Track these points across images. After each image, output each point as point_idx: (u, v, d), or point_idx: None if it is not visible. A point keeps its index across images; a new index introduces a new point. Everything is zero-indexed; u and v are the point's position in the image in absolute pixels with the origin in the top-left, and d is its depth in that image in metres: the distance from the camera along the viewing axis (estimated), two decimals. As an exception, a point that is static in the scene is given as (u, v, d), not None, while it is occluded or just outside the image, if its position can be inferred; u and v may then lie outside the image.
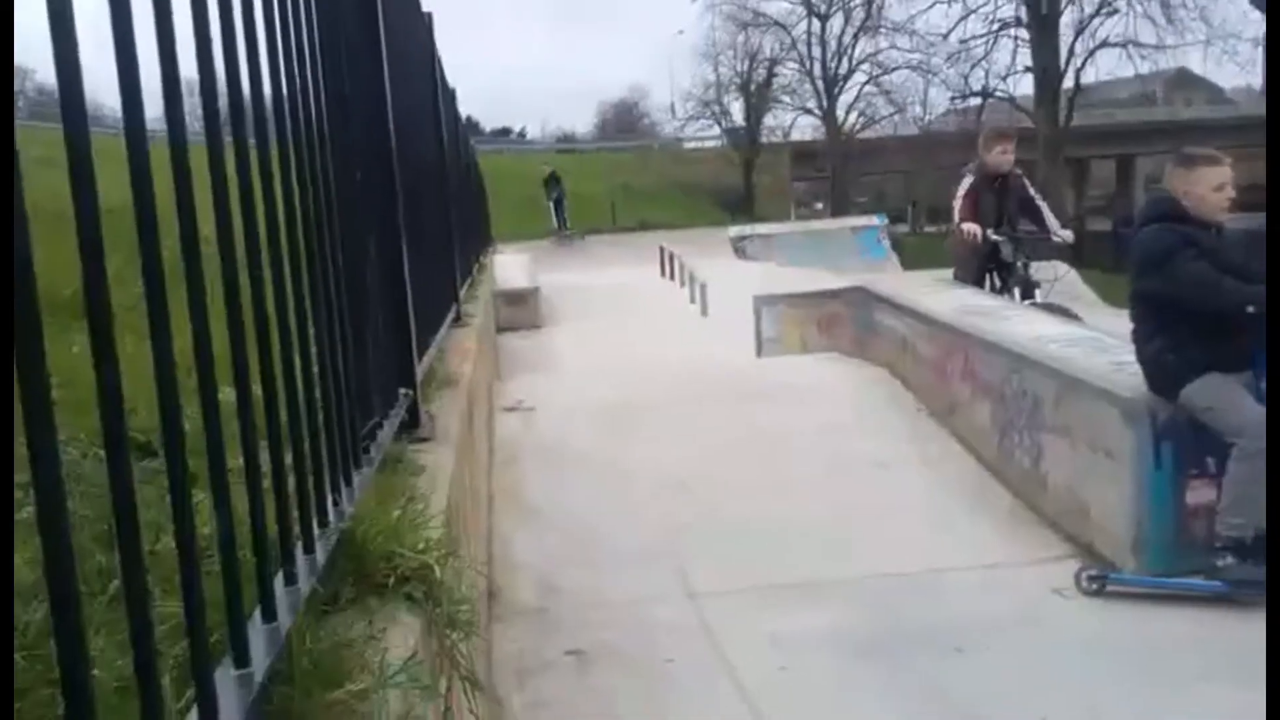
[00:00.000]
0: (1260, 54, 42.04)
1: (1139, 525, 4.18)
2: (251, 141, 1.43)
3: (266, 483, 1.36)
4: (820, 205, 48.13)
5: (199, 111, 1.26)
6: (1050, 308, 6.61)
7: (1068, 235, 7.19)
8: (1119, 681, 3.48)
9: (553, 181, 30.96)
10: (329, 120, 1.88)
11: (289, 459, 1.47)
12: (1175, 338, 4.07)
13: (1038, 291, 6.96)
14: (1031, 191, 7.19)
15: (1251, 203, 4.51)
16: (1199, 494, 4.15)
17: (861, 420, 6.43)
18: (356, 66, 2.39)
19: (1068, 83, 39.46)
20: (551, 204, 30.63)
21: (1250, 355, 4.01)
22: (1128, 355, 4.41)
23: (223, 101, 1.33)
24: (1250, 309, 3.93)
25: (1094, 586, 4.10)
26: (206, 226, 1.25)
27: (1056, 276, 7.90)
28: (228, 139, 1.33)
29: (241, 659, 1.15)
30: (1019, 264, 6.98)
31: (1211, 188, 4.13)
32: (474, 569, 2.52)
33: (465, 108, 10.87)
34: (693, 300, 17.05)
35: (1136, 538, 4.19)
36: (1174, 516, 4.17)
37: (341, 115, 2.06)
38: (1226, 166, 4.20)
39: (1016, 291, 6.90)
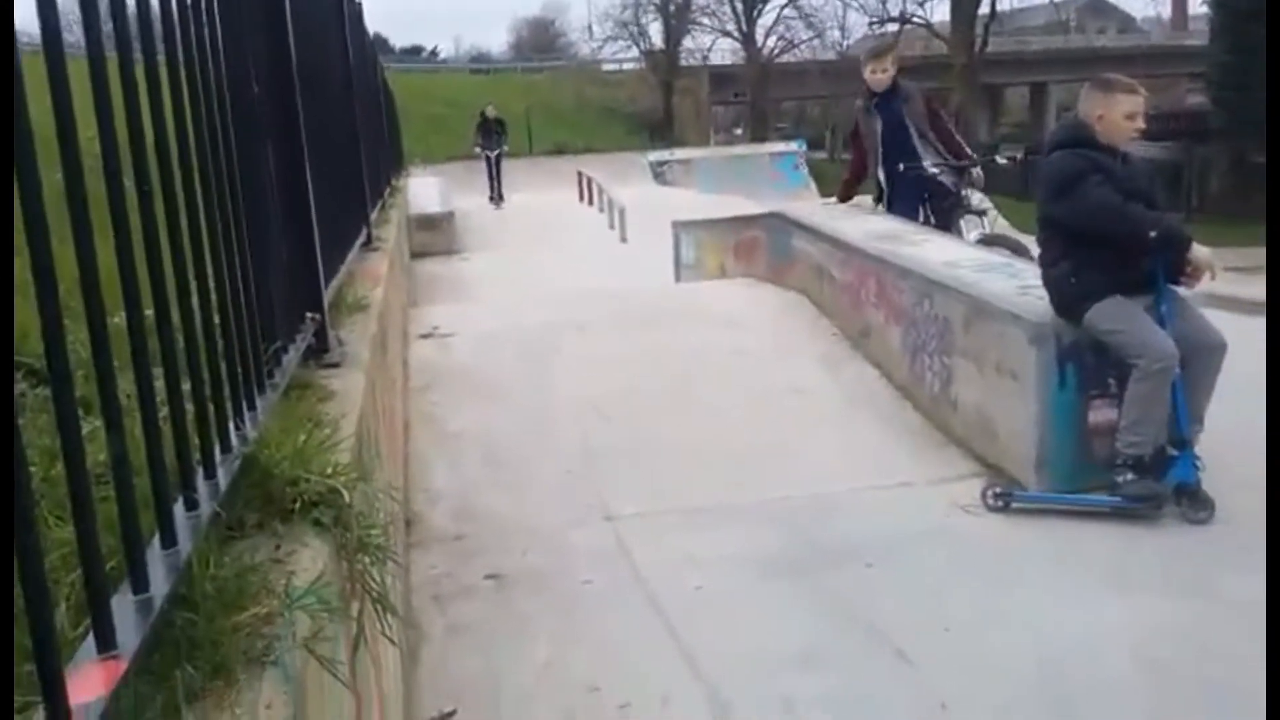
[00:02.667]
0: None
1: (1042, 444, 4.31)
2: (137, 53, 1.35)
3: (164, 410, 1.32)
4: (739, 130, 48.08)
5: (77, 17, 1.19)
6: (999, 240, 6.57)
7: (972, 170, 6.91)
8: (1021, 592, 3.61)
9: (491, 130, 21.43)
10: (222, 30, 1.80)
11: (187, 384, 1.43)
12: (1080, 261, 4.16)
13: (985, 221, 6.94)
14: (941, 111, 7.13)
15: (1152, 132, 4.61)
16: (1100, 414, 4.28)
17: (778, 345, 6.50)
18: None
19: (984, 9, 39.71)
20: (485, 157, 21.30)
21: (1152, 279, 4.12)
22: (1035, 280, 4.51)
23: (104, 7, 1.26)
24: (1153, 234, 4.04)
25: (999, 503, 4.23)
26: (93, 145, 1.19)
27: (990, 206, 7.73)
28: (111, 51, 1.26)
29: (140, 584, 1.12)
30: (964, 194, 6.89)
31: (1124, 114, 4.19)
32: (388, 495, 2.50)
33: (375, 25, 10.52)
34: (611, 226, 16.98)
35: (1040, 456, 4.32)
36: (1076, 435, 4.30)
37: (235, 25, 1.98)
38: (1140, 96, 4.27)
39: (963, 225, 6.80)
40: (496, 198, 20.92)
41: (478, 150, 21.55)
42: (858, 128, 7.10)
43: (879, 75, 6.87)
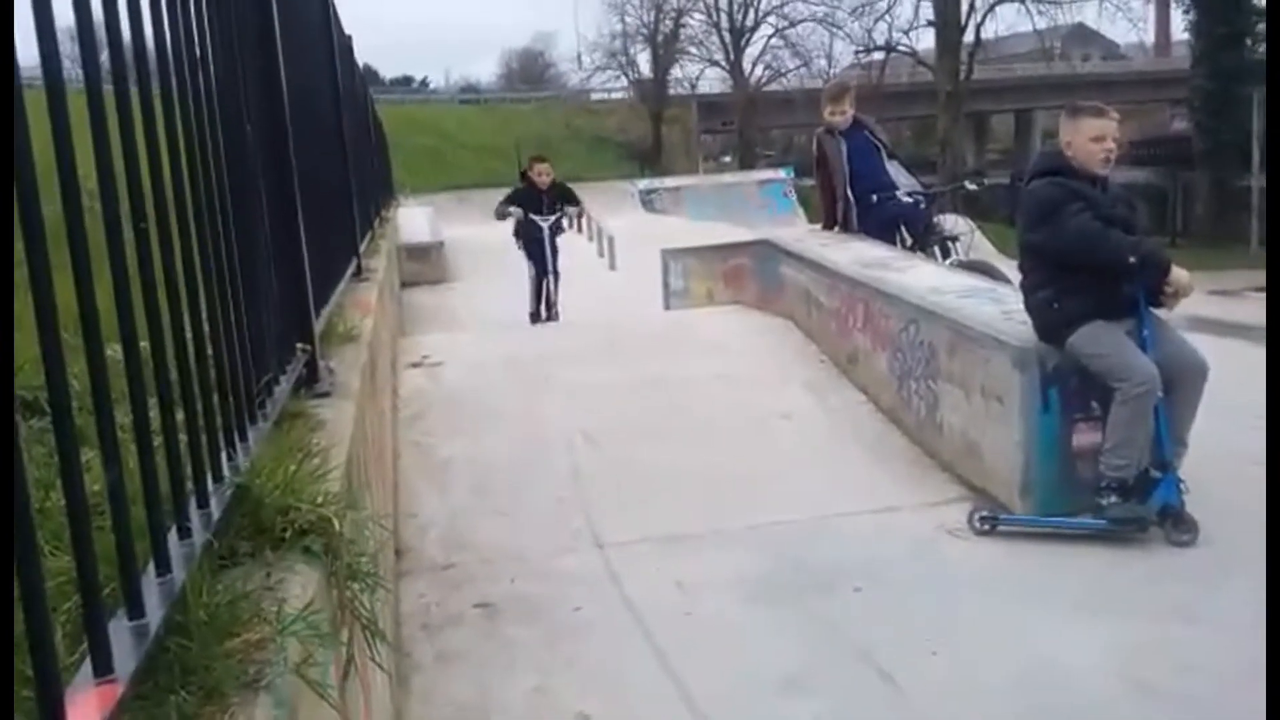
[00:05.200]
0: (1151, 11, 43.44)
1: (1027, 468, 4.35)
2: (135, 89, 1.39)
3: (158, 441, 1.35)
4: (728, 158, 48.34)
5: (76, 55, 1.23)
6: (973, 265, 6.69)
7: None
8: (1007, 615, 3.63)
9: (542, 201, 9.90)
10: (215, 67, 1.84)
11: (181, 415, 1.46)
12: (1062, 287, 4.21)
13: (957, 247, 7.09)
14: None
15: (1139, 157, 4.67)
16: (1084, 437, 4.32)
17: (766, 371, 6.54)
18: (242, 10, 2.33)
19: (968, 37, 40.07)
20: (536, 241, 9.81)
21: (1133, 304, 4.18)
22: (1018, 305, 4.56)
23: (103, 46, 1.30)
24: (1132, 260, 4.09)
25: (985, 527, 4.26)
26: (89, 180, 1.22)
27: (964, 231, 7.94)
28: (108, 86, 1.30)
29: (135, 610, 1.14)
30: (935, 220, 7.09)
31: (1090, 137, 4.24)
32: (378, 523, 2.52)
33: (365, 57, 10.52)
34: (601, 254, 17.06)
35: (1025, 480, 4.35)
36: (1061, 459, 4.34)
37: (229, 61, 2.02)
38: (1108, 120, 4.31)
39: (937, 251, 6.98)
40: (546, 310, 9.97)
41: (518, 240, 10.20)
42: (823, 154, 7.25)
43: (837, 117, 7.19)
